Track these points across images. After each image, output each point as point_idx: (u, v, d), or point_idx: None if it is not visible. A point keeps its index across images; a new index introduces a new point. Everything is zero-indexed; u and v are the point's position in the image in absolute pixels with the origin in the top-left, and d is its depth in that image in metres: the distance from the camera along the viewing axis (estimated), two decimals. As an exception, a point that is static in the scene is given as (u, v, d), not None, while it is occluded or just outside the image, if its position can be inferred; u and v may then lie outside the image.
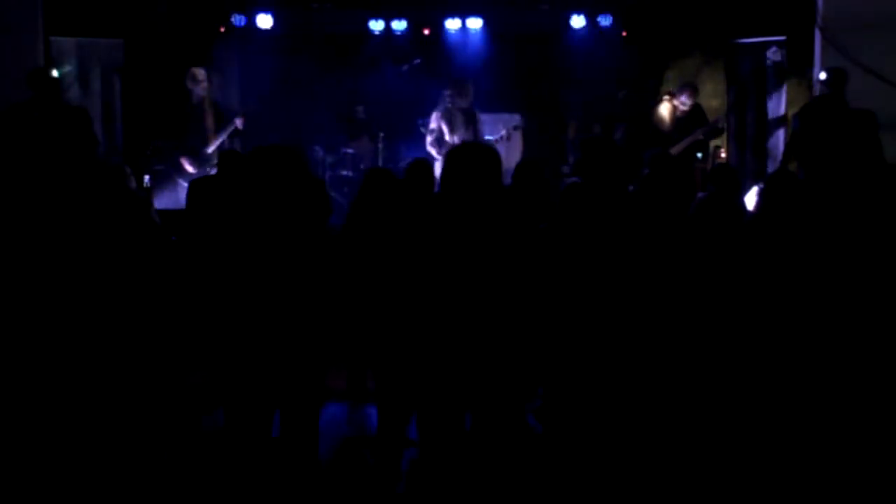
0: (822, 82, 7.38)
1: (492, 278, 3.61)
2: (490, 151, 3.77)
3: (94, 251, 3.72)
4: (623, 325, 3.54)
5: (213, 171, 7.53)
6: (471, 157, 3.71)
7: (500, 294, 3.62)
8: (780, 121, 9.16)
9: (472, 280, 3.59)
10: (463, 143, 4.37)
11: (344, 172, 9.41)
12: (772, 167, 8.94)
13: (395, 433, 4.54)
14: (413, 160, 5.40)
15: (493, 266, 3.61)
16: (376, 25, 10.09)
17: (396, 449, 4.53)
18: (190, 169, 8.19)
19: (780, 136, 9.13)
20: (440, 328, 3.64)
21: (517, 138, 9.26)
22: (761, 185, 4.43)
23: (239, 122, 8.32)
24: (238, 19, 9.66)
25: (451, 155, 3.74)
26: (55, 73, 7.82)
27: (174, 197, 8.00)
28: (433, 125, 8.55)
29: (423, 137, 8.75)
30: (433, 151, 8.49)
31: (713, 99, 9.77)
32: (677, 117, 8.51)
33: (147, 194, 6.97)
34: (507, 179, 5.92)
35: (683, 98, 8.48)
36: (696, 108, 8.56)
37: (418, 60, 9.80)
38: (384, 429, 4.60)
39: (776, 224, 3.80)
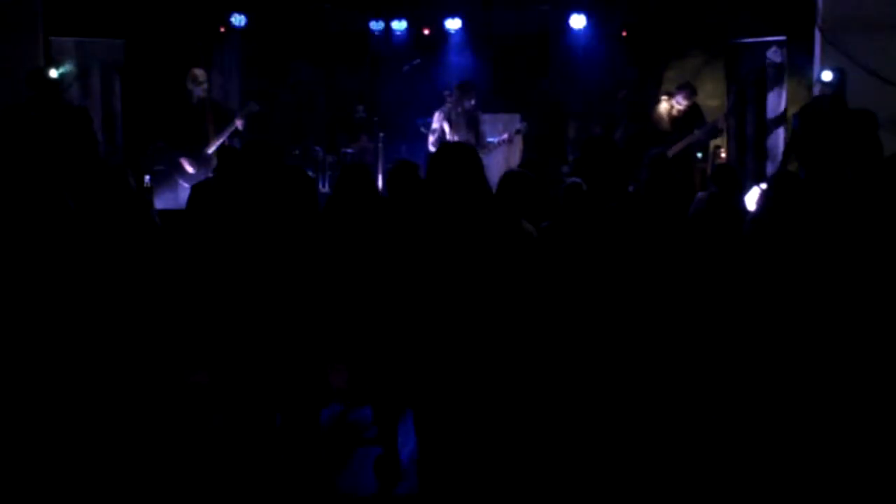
0: (825, 83, 7.37)
1: (478, 279, 3.61)
2: (472, 151, 3.80)
3: (95, 251, 3.72)
4: (624, 324, 3.54)
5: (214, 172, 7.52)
6: (454, 157, 3.73)
7: (488, 293, 3.63)
8: (780, 119, 9.15)
9: (457, 280, 3.60)
10: (446, 144, 4.36)
11: (344, 172, 9.40)
12: (772, 167, 8.94)
13: (389, 431, 4.53)
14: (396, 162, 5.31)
15: (479, 266, 3.61)
16: (376, 25, 10.09)
17: (392, 446, 4.53)
18: (190, 169, 8.18)
19: (780, 136, 9.12)
20: (427, 326, 3.65)
21: (517, 139, 9.26)
22: (763, 186, 4.44)
23: (239, 124, 8.31)
24: (238, 19, 9.65)
25: (436, 155, 3.78)
26: (55, 73, 7.82)
27: (174, 197, 8.00)
28: (435, 125, 8.55)
29: (423, 137, 8.75)
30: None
31: (713, 99, 9.76)
32: (675, 117, 8.51)
33: (147, 194, 6.97)
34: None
35: (679, 98, 8.47)
36: (693, 108, 8.55)
37: (418, 60, 9.80)
38: (379, 427, 4.60)
39: (779, 224, 3.80)
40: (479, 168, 3.73)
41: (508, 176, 5.12)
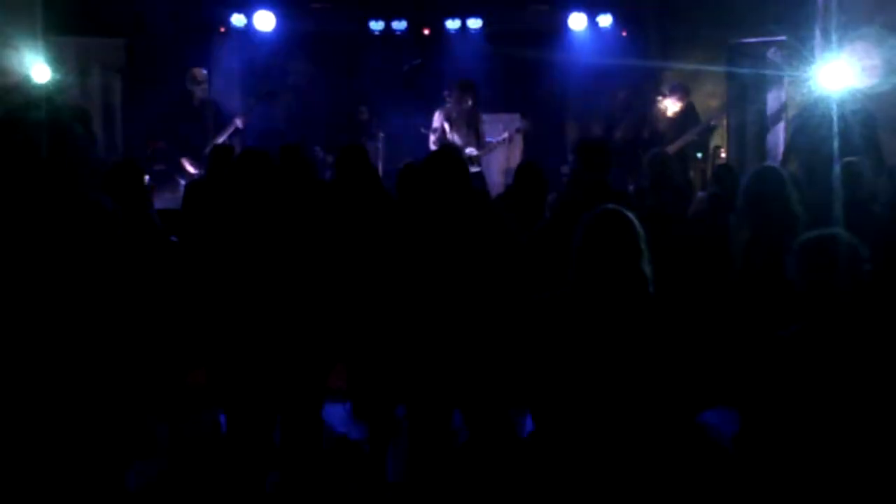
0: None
1: (473, 279, 3.64)
2: (457, 159, 3.88)
3: (94, 252, 3.72)
4: (621, 324, 3.53)
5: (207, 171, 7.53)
6: (439, 166, 3.79)
7: (481, 294, 3.66)
8: (780, 119, 9.16)
9: (450, 281, 3.63)
10: (434, 152, 4.40)
11: (344, 172, 9.41)
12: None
13: (381, 429, 4.53)
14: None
15: (474, 267, 3.64)
16: (376, 25, 10.10)
17: (382, 444, 4.53)
18: (190, 169, 8.20)
19: (780, 136, 9.13)
20: (421, 326, 3.67)
21: (518, 139, 9.27)
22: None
23: (239, 122, 8.33)
24: (238, 19, 9.66)
25: (422, 165, 3.88)
26: (54, 73, 7.82)
27: (174, 197, 8.00)
28: (436, 125, 8.56)
29: (423, 138, 8.75)
30: None
31: (713, 99, 9.76)
32: (670, 118, 8.54)
33: (147, 194, 6.97)
34: (509, 180, 5.93)
35: (673, 100, 8.52)
36: (688, 108, 8.58)
37: (418, 60, 9.80)
38: (372, 425, 4.60)
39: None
40: (464, 175, 3.80)
41: (525, 167, 5.15)
